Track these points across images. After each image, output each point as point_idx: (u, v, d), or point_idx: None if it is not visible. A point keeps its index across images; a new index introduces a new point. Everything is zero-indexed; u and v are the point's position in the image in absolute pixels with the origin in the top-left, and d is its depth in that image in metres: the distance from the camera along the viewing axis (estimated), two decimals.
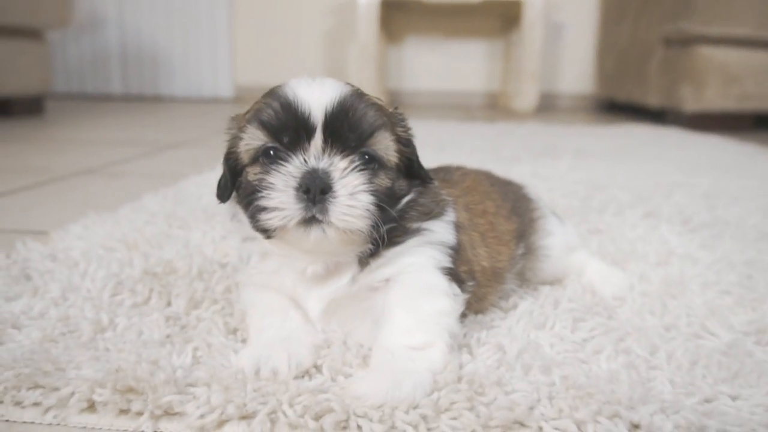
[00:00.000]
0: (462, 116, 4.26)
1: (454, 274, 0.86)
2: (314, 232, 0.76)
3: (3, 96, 3.47)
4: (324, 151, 0.77)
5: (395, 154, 0.81)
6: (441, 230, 0.87)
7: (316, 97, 0.77)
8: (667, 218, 1.58)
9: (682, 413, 0.69)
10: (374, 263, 0.83)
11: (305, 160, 0.76)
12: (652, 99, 4.12)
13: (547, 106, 4.97)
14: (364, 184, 0.77)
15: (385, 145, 0.80)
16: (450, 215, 0.90)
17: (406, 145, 0.85)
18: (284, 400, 0.71)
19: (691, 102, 3.79)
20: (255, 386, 0.74)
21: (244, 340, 0.87)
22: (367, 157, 0.78)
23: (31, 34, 3.55)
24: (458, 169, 1.14)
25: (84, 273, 1.07)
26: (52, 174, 2.08)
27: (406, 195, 0.85)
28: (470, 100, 5.19)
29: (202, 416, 0.69)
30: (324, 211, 0.75)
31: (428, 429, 0.68)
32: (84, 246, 1.22)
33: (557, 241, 1.11)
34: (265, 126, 0.78)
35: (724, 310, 1.01)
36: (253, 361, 0.77)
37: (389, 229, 0.81)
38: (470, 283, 0.90)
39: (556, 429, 0.68)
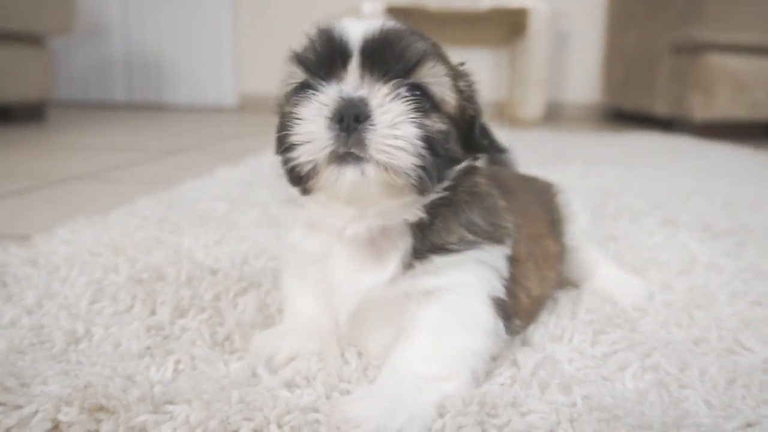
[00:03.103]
0: None
1: (503, 309, 0.75)
2: (350, 170, 0.63)
3: (4, 103, 3.42)
4: (363, 80, 0.66)
5: (453, 97, 0.69)
6: (497, 257, 0.75)
7: (355, 26, 0.67)
8: (686, 225, 1.49)
9: None
10: (420, 267, 0.70)
11: (341, 90, 0.65)
12: (661, 107, 4.04)
13: (554, 115, 4.90)
14: (409, 114, 0.64)
15: (439, 80, 0.68)
16: (508, 247, 0.77)
17: (469, 101, 0.73)
18: (272, 418, 0.63)
19: (700, 110, 3.70)
20: (241, 398, 0.66)
21: (232, 352, 0.79)
22: (417, 92, 0.66)
23: (33, 40, 3.51)
24: (499, 171, 1.03)
25: (64, 279, 1.00)
26: (47, 178, 2.02)
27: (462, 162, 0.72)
28: None
29: None
30: (361, 143, 0.62)
31: None
32: (68, 251, 1.15)
33: (579, 228, 1.05)
34: (302, 61, 0.69)
35: (756, 322, 0.93)
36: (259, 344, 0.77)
37: (439, 227, 0.71)
38: (517, 323, 0.81)
39: None
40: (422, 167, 0.64)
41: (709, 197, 1.84)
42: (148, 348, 0.78)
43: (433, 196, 0.70)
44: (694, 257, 1.22)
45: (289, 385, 0.71)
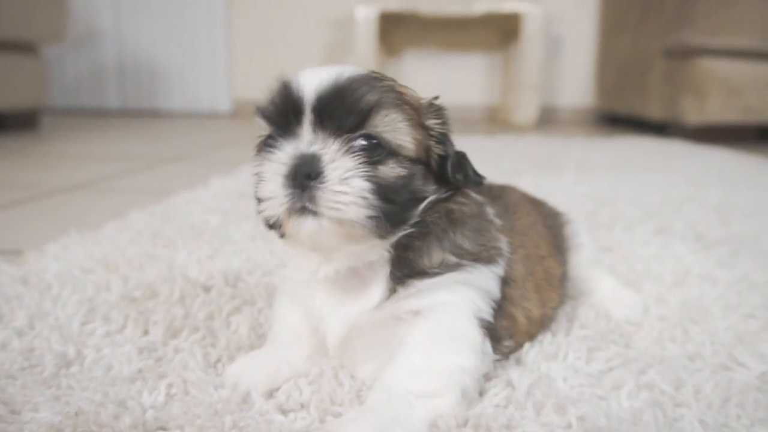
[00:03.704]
0: (462, 129, 4.17)
1: (492, 330, 0.76)
2: (306, 222, 0.66)
3: None
4: (317, 135, 0.68)
5: (411, 141, 0.69)
6: (485, 278, 0.75)
7: (309, 80, 0.69)
8: (680, 234, 1.50)
9: None
10: (403, 292, 0.72)
11: (297, 147, 0.68)
12: (653, 111, 4.06)
13: (547, 120, 4.91)
14: (359, 168, 0.66)
15: (394, 127, 0.68)
16: (499, 268, 0.77)
17: (439, 140, 0.74)
18: None
19: (693, 114, 3.72)
20: (234, 423, 0.66)
21: None
22: (372, 141, 0.68)
23: (25, 48, 3.50)
24: (509, 191, 1.03)
25: (56, 298, 0.99)
26: (39, 190, 2.01)
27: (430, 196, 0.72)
28: (470, 114, 5.13)
29: None
30: (313, 199, 0.65)
31: None
32: (60, 268, 1.14)
33: (585, 256, 1.05)
34: (264, 115, 0.72)
35: (750, 336, 0.93)
36: (233, 375, 0.75)
37: (417, 254, 0.72)
38: (506, 343, 0.81)
39: None
40: (376, 216, 0.66)
41: (702, 204, 1.85)
42: (140, 371, 0.78)
43: (399, 234, 0.71)
44: (687, 269, 1.23)
45: (283, 410, 0.70)
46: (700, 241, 1.45)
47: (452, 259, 0.73)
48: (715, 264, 1.27)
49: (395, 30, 5.02)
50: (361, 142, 0.67)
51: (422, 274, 0.72)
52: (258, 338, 0.89)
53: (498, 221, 0.81)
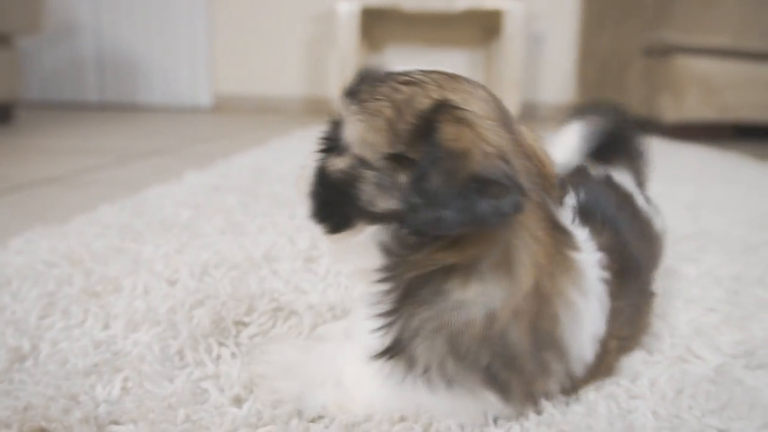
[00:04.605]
0: None
1: None
2: None
3: None
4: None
5: (359, 138, 0.62)
6: None
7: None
8: None
9: None
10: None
11: None
12: (632, 109, 4.10)
13: (529, 116, 4.93)
14: (317, 150, 0.69)
15: (348, 119, 0.64)
16: None
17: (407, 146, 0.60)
18: None
19: (670, 112, 3.76)
20: (187, 416, 0.65)
21: (182, 367, 0.77)
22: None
23: None
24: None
25: (15, 293, 0.97)
26: (9, 183, 1.97)
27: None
28: None
29: None
30: None
31: None
32: (22, 262, 1.12)
33: None
34: None
35: (710, 329, 0.94)
36: None
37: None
38: None
39: None
40: (315, 199, 0.68)
41: (674, 200, 1.87)
42: (95, 365, 0.77)
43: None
44: None
45: (238, 401, 0.70)
46: (669, 236, 1.46)
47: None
48: (682, 259, 1.28)
49: (377, 25, 5.01)
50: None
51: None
52: (221, 332, 0.88)
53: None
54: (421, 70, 0.65)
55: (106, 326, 0.89)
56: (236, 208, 1.59)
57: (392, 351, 0.63)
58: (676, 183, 2.18)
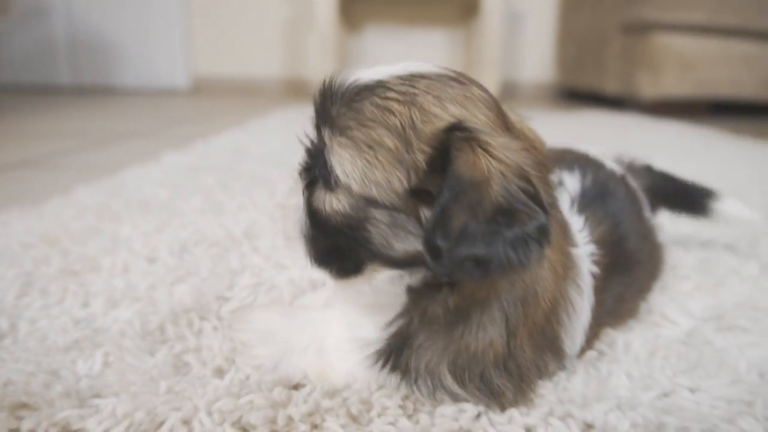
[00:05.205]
0: None
1: None
2: None
3: None
4: (318, 137, 0.62)
5: (360, 177, 0.55)
6: None
7: (336, 79, 0.61)
8: None
9: (639, 410, 0.64)
10: None
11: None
12: (611, 86, 4.13)
13: (508, 94, 4.94)
14: (301, 187, 0.63)
15: (337, 154, 0.56)
16: None
17: (426, 185, 0.54)
18: (201, 406, 0.63)
19: (648, 88, 3.80)
20: (169, 388, 0.66)
21: (163, 342, 0.78)
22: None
23: None
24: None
25: None
26: None
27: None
28: None
29: (105, 431, 0.60)
30: None
31: None
32: None
33: None
34: None
35: (682, 296, 0.97)
36: None
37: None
38: None
39: None
40: (311, 246, 0.63)
41: None
42: (76, 341, 0.76)
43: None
44: None
45: (220, 372, 0.70)
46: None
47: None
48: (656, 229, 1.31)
49: (356, 5, 4.96)
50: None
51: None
52: (202, 307, 0.88)
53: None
54: (399, 77, 0.57)
55: (86, 304, 0.88)
56: (215, 188, 1.58)
57: (389, 358, 0.64)
58: (652, 157, 2.20)
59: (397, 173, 0.54)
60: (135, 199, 1.45)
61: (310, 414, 0.63)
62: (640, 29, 3.80)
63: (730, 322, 0.87)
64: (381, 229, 0.56)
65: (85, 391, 0.66)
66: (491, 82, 4.49)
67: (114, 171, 1.79)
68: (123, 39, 5.08)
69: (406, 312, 0.63)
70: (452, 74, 0.61)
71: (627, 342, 0.80)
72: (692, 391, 0.69)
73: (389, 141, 0.54)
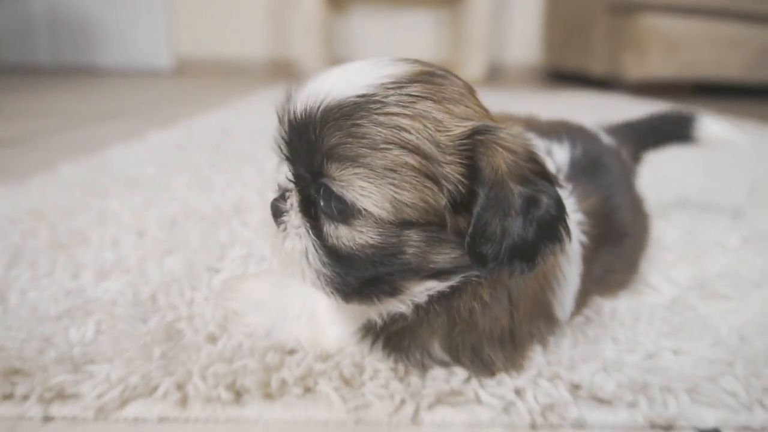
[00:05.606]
0: None
1: None
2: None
3: None
4: (294, 167, 0.59)
5: (388, 204, 0.52)
6: None
7: (302, 94, 0.56)
8: None
9: (625, 371, 0.66)
10: None
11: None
12: (597, 67, 4.15)
13: (496, 75, 4.94)
14: (306, 224, 0.58)
15: (350, 184, 0.52)
16: None
17: (461, 194, 0.53)
18: (195, 371, 0.63)
19: (633, 69, 3.83)
20: (163, 353, 0.66)
21: (155, 310, 0.78)
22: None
23: None
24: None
25: None
26: None
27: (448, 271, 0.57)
28: None
29: (99, 396, 0.61)
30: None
31: (353, 396, 0.62)
32: None
33: None
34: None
35: (666, 266, 0.99)
36: None
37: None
38: None
39: (493, 396, 0.63)
40: (330, 279, 0.58)
41: None
42: (68, 310, 0.77)
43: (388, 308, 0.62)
44: None
45: (213, 339, 0.71)
46: None
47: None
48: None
49: None
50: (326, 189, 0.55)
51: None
52: (193, 277, 0.88)
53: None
54: (383, 86, 0.54)
55: (76, 276, 0.88)
56: (203, 165, 1.57)
57: (379, 336, 0.65)
58: None
59: (428, 190, 0.53)
60: (122, 175, 1.44)
61: (303, 377, 0.64)
62: (627, 10, 3.81)
63: (713, 290, 0.89)
64: (419, 248, 0.55)
65: (78, 357, 0.66)
66: (478, 63, 4.49)
67: (99, 149, 1.77)
68: (105, 18, 4.98)
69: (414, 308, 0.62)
70: (428, 69, 0.58)
71: (613, 308, 0.81)
72: (675, 352, 0.71)
73: (411, 160, 0.52)
